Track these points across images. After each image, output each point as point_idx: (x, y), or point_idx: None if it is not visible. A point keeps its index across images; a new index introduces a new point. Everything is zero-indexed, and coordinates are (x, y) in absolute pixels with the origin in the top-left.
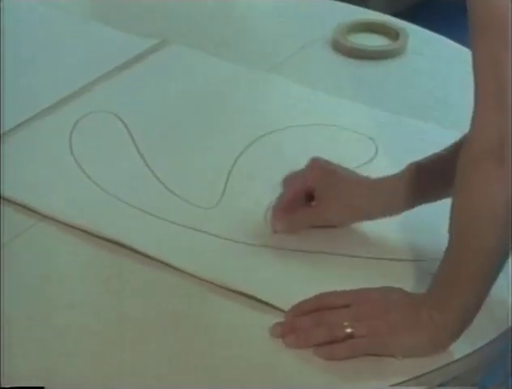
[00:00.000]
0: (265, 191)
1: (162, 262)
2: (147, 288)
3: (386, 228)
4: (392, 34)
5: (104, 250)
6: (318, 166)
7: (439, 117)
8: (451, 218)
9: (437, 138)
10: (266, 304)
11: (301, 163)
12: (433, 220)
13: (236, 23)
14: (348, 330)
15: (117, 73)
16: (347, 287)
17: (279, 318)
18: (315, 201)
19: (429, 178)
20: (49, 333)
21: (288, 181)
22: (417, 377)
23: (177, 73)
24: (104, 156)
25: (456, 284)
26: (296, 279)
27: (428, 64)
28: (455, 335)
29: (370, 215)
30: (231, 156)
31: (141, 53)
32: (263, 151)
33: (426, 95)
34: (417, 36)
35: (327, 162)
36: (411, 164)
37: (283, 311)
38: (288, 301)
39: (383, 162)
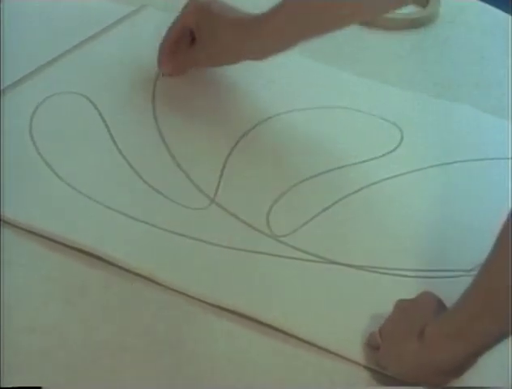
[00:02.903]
0: (268, 187)
1: (142, 276)
2: (124, 307)
3: (405, 238)
4: None
5: (73, 261)
6: (194, 5)
7: (476, 97)
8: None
9: (472, 122)
10: (269, 327)
11: (309, 154)
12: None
13: None
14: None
15: (83, 45)
16: (359, 301)
17: (284, 344)
18: (196, 41)
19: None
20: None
21: (171, 25)
22: None
23: (156, 44)
24: (73, 146)
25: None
26: (304, 296)
27: (462, 34)
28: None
29: (249, 56)
30: (226, 144)
31: (115, 22)
32: (264, 140)
33: (460, 71)
34: (450, 1)
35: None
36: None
37: (289, 335)
38: (294, 323)
39: (409, 151)
